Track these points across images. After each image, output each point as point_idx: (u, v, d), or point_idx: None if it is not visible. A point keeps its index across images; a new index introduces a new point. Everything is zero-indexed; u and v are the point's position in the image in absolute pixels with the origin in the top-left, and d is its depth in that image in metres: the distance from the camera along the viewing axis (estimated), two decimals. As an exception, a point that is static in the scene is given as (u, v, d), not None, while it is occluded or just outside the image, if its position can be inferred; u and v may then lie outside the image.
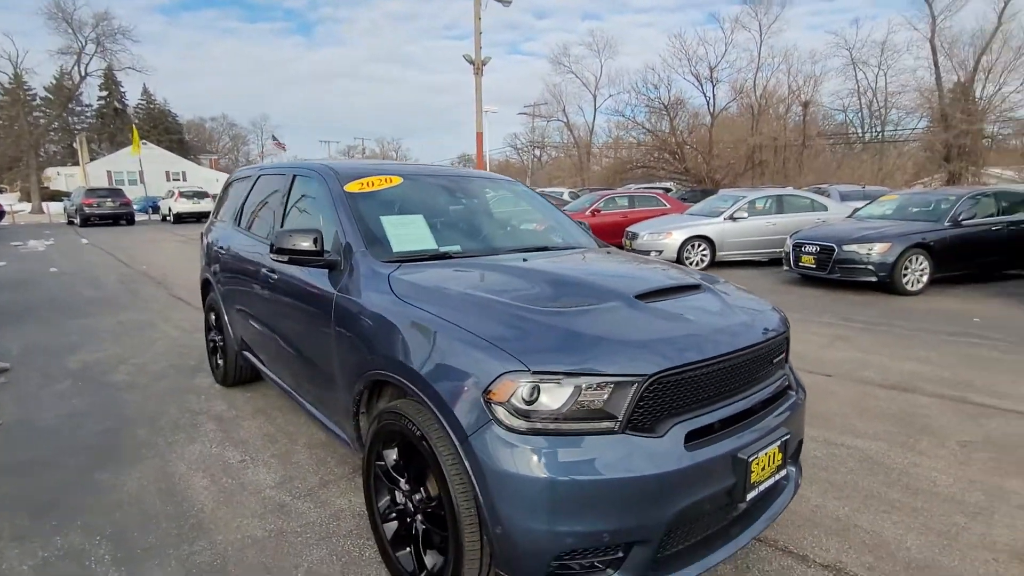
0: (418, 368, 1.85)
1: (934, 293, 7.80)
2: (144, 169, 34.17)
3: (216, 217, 4.71)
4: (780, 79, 33.99)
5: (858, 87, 34.64)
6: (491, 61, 19.91)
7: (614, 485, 1.60)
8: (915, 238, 7.78)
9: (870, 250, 7.74)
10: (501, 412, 1.64)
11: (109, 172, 45.31)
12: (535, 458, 1.60)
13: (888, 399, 3.94)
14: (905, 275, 7.69)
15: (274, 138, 50.57)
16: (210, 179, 44.80)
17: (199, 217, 25.23)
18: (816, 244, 8.24)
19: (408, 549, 2.09)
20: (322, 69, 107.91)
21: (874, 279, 7.71)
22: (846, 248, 7.89)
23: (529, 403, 1.64)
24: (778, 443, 1.93)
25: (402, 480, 2.07)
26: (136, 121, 49.61)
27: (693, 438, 1.72)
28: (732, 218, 10.31)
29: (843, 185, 17.68)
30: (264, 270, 3.14)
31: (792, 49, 45.02)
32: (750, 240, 10.33)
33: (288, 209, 3.25)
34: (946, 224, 8.06)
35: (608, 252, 3.03)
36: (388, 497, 2.20)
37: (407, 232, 2.65)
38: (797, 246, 8.54)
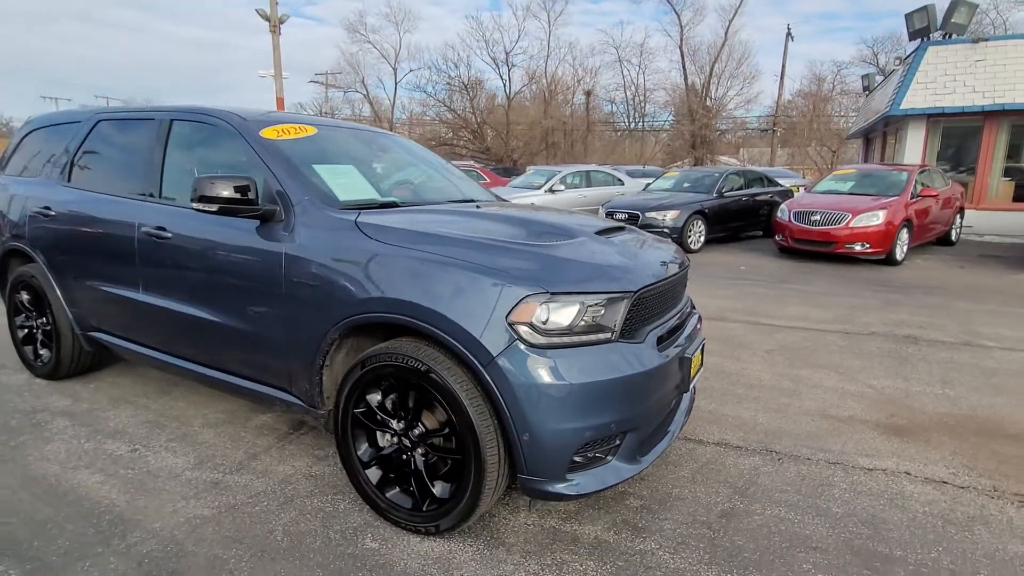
0: (430, 305, 1.90)
1: (708, 251, 9.73)
2: None
3: (4, 172, 3.77)
4: (566, 69, 37.46)
5: (624, 82, 39.94)
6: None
7: (617, 383, 1.92)
8: (696, 206, 9.58)
9: (665, 216, 9.32)
10: (524, 331, 1.83)
11: None
12: (556, 367, 1.83)
13: (712, 327, 4.97)
14: (690, 236, 9.45)
15: None
16: None
17: None
18: (625, 212, 9.61)
19: (398, 488, 2.14)
20: (33, 6, 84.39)
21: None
22: (648, 215, 9.37)
23: (544, 322, 1.86)
24: (701, 347, 2.45)
25: (393, 421, 2.10)
26: None
27: (660, 342, 2.12)
28: (551, 191, 11.35)
29: (626, 165, 20.50)
30: (147, 228, 2.70)
31: (576, 42, 49.72)
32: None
33: (167, 160, 2.83)
34: (714, 195, 10.06)
35: (531, 204, 3.29)
36: (367, 443, 2.20)
37: (346, 182, 2.57)
38: (610, 214, 9.82)
